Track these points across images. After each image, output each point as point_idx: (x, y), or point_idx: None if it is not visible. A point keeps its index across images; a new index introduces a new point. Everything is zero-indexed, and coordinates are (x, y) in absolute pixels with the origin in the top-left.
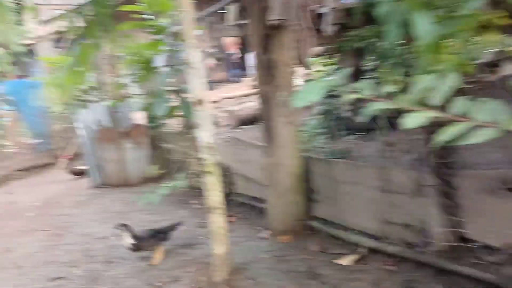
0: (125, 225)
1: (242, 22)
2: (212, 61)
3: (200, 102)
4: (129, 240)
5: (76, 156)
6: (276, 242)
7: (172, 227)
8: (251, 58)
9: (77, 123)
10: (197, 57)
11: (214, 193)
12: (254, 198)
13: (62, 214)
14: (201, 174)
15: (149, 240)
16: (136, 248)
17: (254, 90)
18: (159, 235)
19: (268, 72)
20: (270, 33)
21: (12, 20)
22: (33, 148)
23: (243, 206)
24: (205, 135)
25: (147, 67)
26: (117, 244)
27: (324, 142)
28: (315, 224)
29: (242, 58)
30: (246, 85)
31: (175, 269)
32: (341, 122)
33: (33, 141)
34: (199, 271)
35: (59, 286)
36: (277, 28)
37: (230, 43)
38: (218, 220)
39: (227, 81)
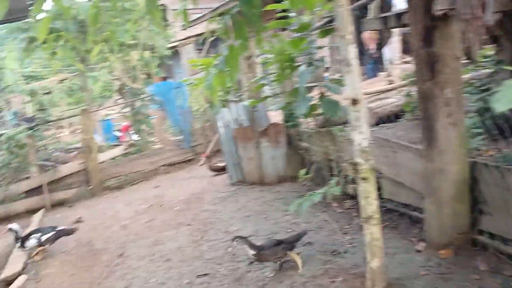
0: (242, 238)
1: (383, 15)
2: None
3: (355, 101)
4: (250, 252)
5: (216, 153)
6: (434, 257)
7: (297, 237)
8: (388, 53)
9: (217, 121)
10: (353, 53)
11: (369, 201)
12: (404, 205)
13: (204, 210)
14: (354, 180)
15: (271, 250)
16: (258, 258)
17: (392, 86)
18: (283, 245)
19: (430, 67)
20: (434, 24)
21: (161, 25)
22: (177, 144)
23: (390, 213)
24: (360, 137)
25: (289, 66)
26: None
27: (484, 145)
28: (481, 238)
29: (379, 52)
30: (383, 81)
31: (320, 277)
32: (502, 122)
33: (177, 138)
34: (347, 282)
35: (204, 283)
36: (443, 18)
37: (369, 38)
38: (373, 231)
39: (363, 76)
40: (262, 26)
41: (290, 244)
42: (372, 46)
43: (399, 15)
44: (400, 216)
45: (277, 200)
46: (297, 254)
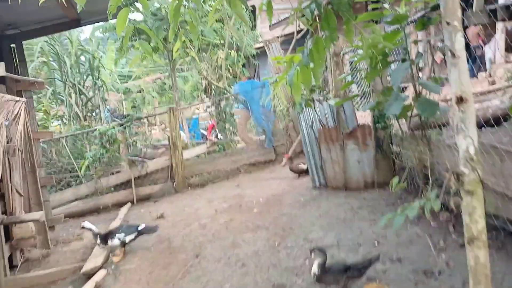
0: (321, 251)
1: (490, 7)
2: (440, 55)
3: (462, 100)
4: (315, 269)
5: (299, 154)
6: None
7: (368, 263)
8: (489, 51)
9: (301, 122)
10: (461, 43)
11: (475, 219)
12: None
13: (284, 214)
14: (455, 191)
15: (336, 275)
16: (318, 279)
17: (494, 87)
18: (351, 271)
19: None
20: None
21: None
22: (259, 144)
23: (495, 230)
24: (465, 143)
25: (382, 61)
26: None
27: None
28: None
29: (481, 50)
30: (484, 81)
31: None
32: None
33: (259, 137)
34: None
35: None
36: None
37: (474, 33)
38: (478, 255)
39: None
40: (352, 16)
41: (358, 270)
42: (476, 43)
43: (508, 8)
44: (508, 235)
45: (363, 208)
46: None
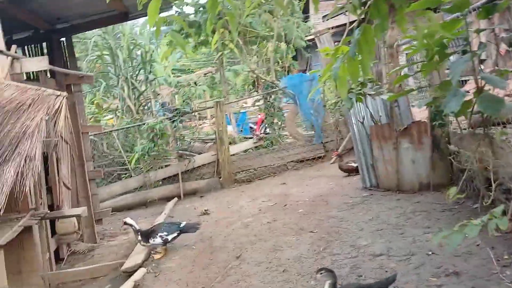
0: (329, 272)
1: None
2: (505, 47)
3: None
4: None
5: (349, 152)
6: None
7: (386, 284)
8: None
9: (351, 117)
10: None
11: None
12: None
13: (330, 216)
14: None
15: None
16: None
17: None
18: None
19: None
20: None
21: (299, 16)
22: (307, 140)
23: None
24: None
25: (440, 53)
26: (394, 267)
27: None
28: None
29: None
30: None
31: None
32: None
33: (307, 133)
34: None
35: None
36: None
37: None
38: None
39: None
40: (405, 2)
41: None
42: None
43: None
44: None
45: (417, 213)
46: None
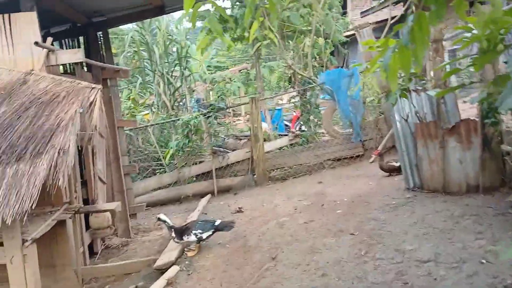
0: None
1: None
2: None
3: None
4: None
5: (390, 151)
6: None
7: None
8: None
9: (394, 114)
10: None
11: None
12: None
13: (371, 218)
14: None
15: None
16: None
17: None
18: None
19: None
20: None
21: (338, 11)
22: (346, 138)
23: None
24: None
25: (497, 44)
26: (444, 275)
27: None
28: None
29: None
30: None
31: None
32: None
33: (346, 131)
34: None
35: None
36: None
37: None
38: None
39: None
40: None
41: None
42: None
43: None
44: None
45: (466, 216)
46: None
